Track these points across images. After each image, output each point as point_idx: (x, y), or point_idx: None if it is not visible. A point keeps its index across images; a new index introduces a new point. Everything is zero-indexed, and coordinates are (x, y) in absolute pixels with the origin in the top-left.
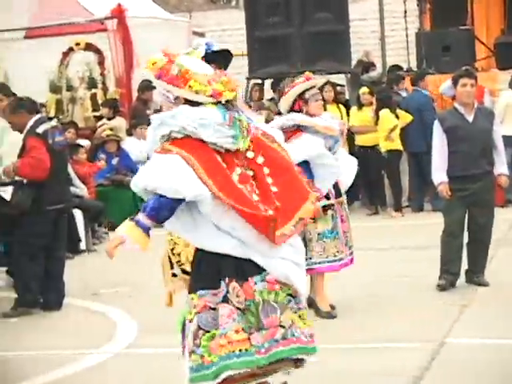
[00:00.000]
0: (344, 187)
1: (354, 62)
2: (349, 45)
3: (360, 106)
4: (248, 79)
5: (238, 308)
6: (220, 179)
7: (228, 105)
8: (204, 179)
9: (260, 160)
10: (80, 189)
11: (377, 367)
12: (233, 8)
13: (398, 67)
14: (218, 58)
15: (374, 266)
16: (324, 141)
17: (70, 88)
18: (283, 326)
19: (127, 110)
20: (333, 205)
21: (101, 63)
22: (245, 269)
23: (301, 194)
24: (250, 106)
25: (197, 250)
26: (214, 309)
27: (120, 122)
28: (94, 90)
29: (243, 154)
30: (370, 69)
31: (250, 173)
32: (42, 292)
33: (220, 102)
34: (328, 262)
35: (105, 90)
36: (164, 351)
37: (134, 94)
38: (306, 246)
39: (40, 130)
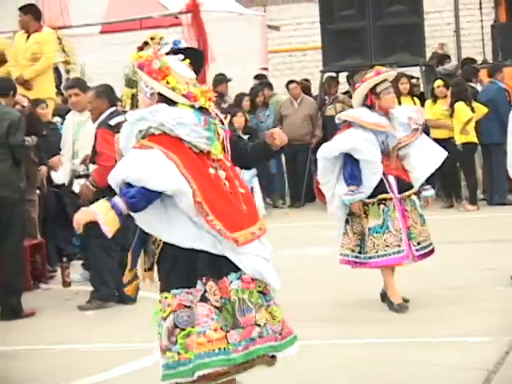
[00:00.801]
0: (418, 180)
1: (428, 55)
2: (423, 37)
3: (435, 98)
4: (322, 72)
5: (215, 307)
6: (197, 174)
7: (202, 110)
8: (184, 174)
9: (227, 163)
10: None
11: (453, 360)
12: (307, 1)
13: (471, 60)
14: (186, 56)
15: (451, 259)
16: (375, 136)
17: None
18: (259, 325)
19: None
20: (386, 199)
21: None
22: (220, 267)
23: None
24: (325, 100)
25: (167, 248)
26: (188, 307)
27: None
28: None
29: (215, 156)
30: (445, 61)
31: (223, 174)
32: (117, 285)
33: (194, 107)
34: (378, 256)
35: None
36: None
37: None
38: (363, 240)
39: (113, 122)
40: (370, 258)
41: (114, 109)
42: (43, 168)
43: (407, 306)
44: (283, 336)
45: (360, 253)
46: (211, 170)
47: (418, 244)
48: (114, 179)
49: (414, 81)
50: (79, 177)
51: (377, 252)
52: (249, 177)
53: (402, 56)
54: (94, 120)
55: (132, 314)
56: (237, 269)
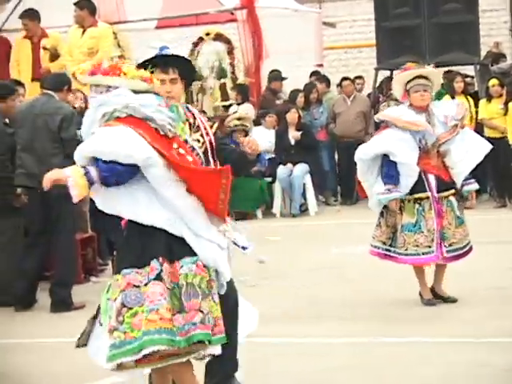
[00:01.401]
0: (460, 175)
1: (483, 54)
2: (478, 36)
3: (489, 97)
4: (376, 70)
5: (167, 288)
6: (166, 149)
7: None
8: (154, 145)
9: (189, 158)
10: None
11: (501, 361)
12: None
13: None
14: (170, 63)
15: (502, 258)
16: (411, 135)
17: (199, 77)
18: (202, 312)
19: (256, 99)
20: (422, 199)
21: (230, 53)
22: (174, 250)
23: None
24: (379, 98)
25: (126, 227)
26: (137, 286)
27: (248, 110)
28: (223, 80)
29: (180, 137)
30: (500, 60)
31: (189, 158)
32: None
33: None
34: (407, 254)
35: (234, 79)
36: (281, 340)
37: (263, 84)
38: (395, 234)
39: None
40: (400, 253)
41: None
42: None
43: (435, 302)
44: (214, 332)
45: (391, 246)
46: (174, 152)
47: (450, 245)
48: (81, 154)
49: (468, 79)
50: None
51: (406, 250)
52: (301, 173)
53: (456, 54)
54: None
55: None
56: (193, 254)
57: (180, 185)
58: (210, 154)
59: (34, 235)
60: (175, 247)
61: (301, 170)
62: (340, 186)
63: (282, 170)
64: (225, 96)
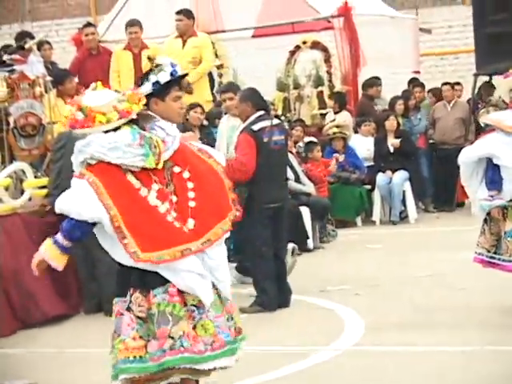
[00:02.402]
0: None
1: None
2: None
3: None
4: (475, 75)
5: (138, 317)
6: (122, 199)
7: (142, 122)
8: (104, 202)
9: (186, 175)
10: (307, 186)
11: None
12: (459, 4)
13: None
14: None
15: None
16: None
17: (296, 86)
18: (172, 338)
19: (353, 107)
20: None
21: (327, 61)
22: (148, 280)
23: (220, 212)
24: (478, 104)
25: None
26: (123, 315)
27: (346, 118)
28: (320, 88)
29: (166, 169)
30: None
31: (171, 188)
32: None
33: (134, 121)
34: (510, 261)
35: (331, 87)
36: (393, 349)
37: (361, 92)
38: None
39: (256, 127)
40: (504, 260)
41: (261, 113)
42: None
43: None
44: (214, 348)
45: (495, 253)
46: (155, 186)
47: None
48: (58, 210)
49: None
50: None
51: (510, 256)
52: (400, 180)
53: None
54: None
55: (286, 317)
56: (166, 282)
57: None
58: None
59: None
60: (150, 279)
61: (400, 178)
62: (439, 192)
63: (381, 178)
64: (322, 104)
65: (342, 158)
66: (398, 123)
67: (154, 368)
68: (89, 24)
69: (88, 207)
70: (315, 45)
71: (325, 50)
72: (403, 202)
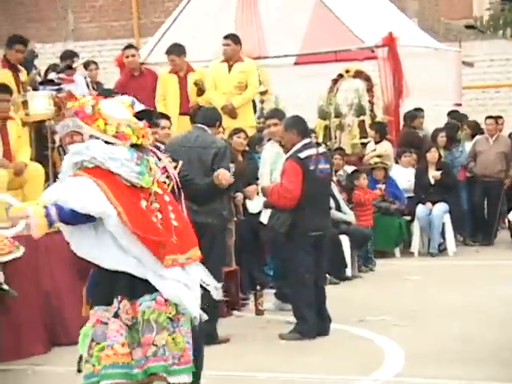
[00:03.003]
0: None
1: None
2: None
3: None
4: None
5: (126, 324)
6: (126, 202)
7: (139, 147)
8: (111, 199)
9: (166, 198)
10: (347, 214)
11: None
12: (501, 38)
13: None
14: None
15: None
16: None
17: (338, 114)
18: (156, 345)
19: (395, 137)
20: None
21: (370, 90)
22: (136, 289)
23: (193, 239)
24: None
25: (95, 269)
26: (105, 323)
27: (387, 148)
28: (362, 117)
29: (151, 189)
30: None
31: (157, 205)
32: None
33: (133, 145)
34: None
35: (373, 117)
36: (435, 382)
37: (402, 122)
38: None
39: (303, 155)
40: None
41: (307, 141)
42: (239, 195)
43: None
44: (180, 362)
45: None
46: (143, 202)
47: None
48: (48, 200)
49: None
50: (266, 207)
51: None
52: (440, 213)
53: None
54: (286, 152)
55: (325, 345)
56: (154, 290)
57: (134, 237)
58: (176, 191)
59: None
60: (138, 286)
61: (440, 210)
62: (478, 225)
63: (421, 209)
64: (363, 133)
65: (383, 187)
66: (440, 155)
67: (140, 375)
68: (130, 46)
69: (94, 201)
70: (358, 74)
71: (368, 79)
72: (442, 234)
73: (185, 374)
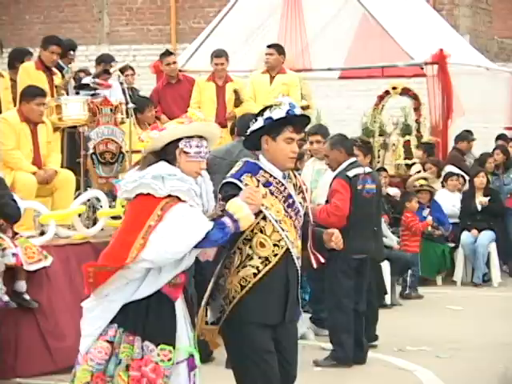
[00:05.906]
0: None
1: None
2: None
3: None
4: None
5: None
6: None
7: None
8: None
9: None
10: (389, 239)
11: None
12: None
13: None
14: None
15: None
16: None
17: (382, 133)
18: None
19: (442, 159)
20: None
21: (416, 109)
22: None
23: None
24: None
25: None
26: None
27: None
28: (407, 137)
29: None
30: None
31: None
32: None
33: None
34: None
35: (419, 137)
36: None
37: (450, 144)
38: None
39: (351, 173)
40: None
41: (353, 159)
42: None
43: None
44: None
45: None
46: None
47: None
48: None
49: None
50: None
51: None
52: (486, 241)
53: None
54: (333, 170)
55: (362, 375)
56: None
57: None
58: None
59: None
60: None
61: (486, 238)
62: None
63: (466, 236)
64: (408, 154)
65: (427, 212)
66: (488, 180)
67: None
68: (169, 52)
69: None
70: (405, 91)
71: (415, 97)
72: (487, 263)
73: None
